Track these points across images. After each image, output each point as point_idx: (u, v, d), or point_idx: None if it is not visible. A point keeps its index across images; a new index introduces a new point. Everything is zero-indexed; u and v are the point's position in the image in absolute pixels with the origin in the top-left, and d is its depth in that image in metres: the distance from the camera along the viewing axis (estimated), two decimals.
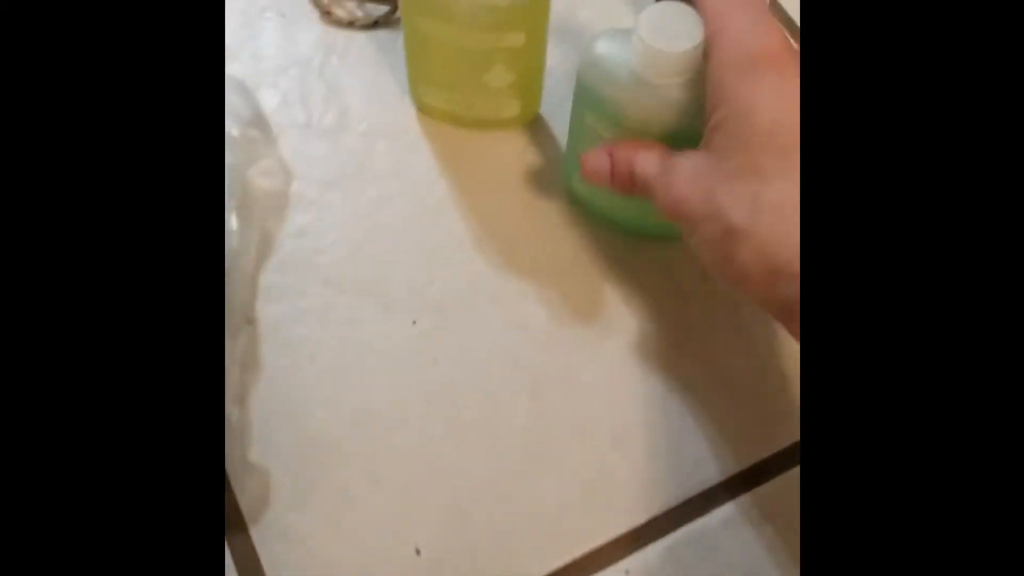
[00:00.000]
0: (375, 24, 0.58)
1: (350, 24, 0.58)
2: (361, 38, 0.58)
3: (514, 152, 0.54)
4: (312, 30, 0.58)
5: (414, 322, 0.48)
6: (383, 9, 0.59)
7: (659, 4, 0.42)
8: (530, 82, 0.52)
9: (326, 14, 0.58)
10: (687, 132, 0.43)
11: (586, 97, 0.45)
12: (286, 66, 0.56)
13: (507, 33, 0.47)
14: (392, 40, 0.58)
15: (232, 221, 0.48)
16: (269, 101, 0.55)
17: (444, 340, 0.48)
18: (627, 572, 0.43)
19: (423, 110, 0.55)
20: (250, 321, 0.47)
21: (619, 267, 0.50)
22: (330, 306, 0.48)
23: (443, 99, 0.52)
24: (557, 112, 0.55)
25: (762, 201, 0.35)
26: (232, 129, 0.50)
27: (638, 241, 0.51)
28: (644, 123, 0.43)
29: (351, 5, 0.59)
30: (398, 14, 0.59)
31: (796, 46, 0.40)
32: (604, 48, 0.44)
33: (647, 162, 0.41)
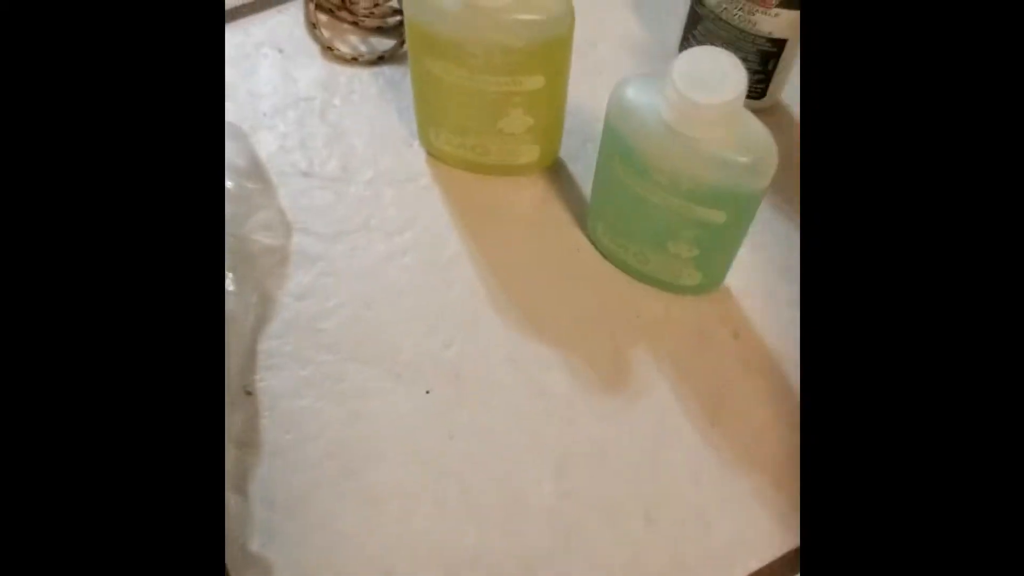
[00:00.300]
0: (380, 60, 0.54)
1: (353, 60, 0.54)
2: (365, 75, 0.54)
3: (533, 200, 0.50)
4: (312, 67, 0.54)
5: (428, 392, 0.44)
6: (389, 44, 0.55)
7: (695, 48, 0.38)
8: (550, 126, 0.48)
9: (327, 49, 0.55)
10: (722, 189, 0.39)
11: (615, 145, 0.41)
12: (284, 107, 0.52)
13: (525, 76, 0.43)
14: (399, 77, 0.54)
15: (228, 281, 0.44)
16: (267, 146, 0.51)
17: (460, 411, 0.44)
18: None
19: (434, 155, 0.51)
20: (249, 393, 0.43)
21: (648, 325, 0.46)
22: (335, 376, 0.44)
23: (455, 144, 0.48)
24: (579, 155, 0.51)
25: None
26: (227, 181, 0.46)
27: (669, 296, 0.47)
28: (675, 176, 0.39)
29: (354, 40, 0.56)
30: (405, 48, 0.55)
31: None
32: (634, 94, 0.40)
33: None
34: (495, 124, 0.46)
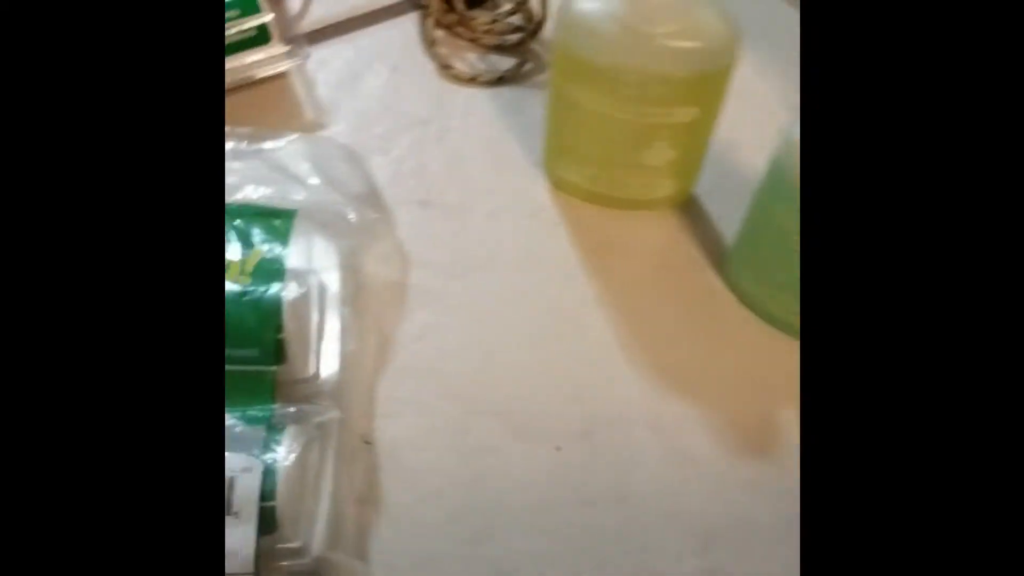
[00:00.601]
0: (500, 80, 0.51)
1: (471, 80, 0.51)
2: (483, 96, 0.51)
3: (665, 238, 0.46)
4: (428, 87, 0.51)
5: (558, 448, 0.40)
6: (510, 62, 0.52)
7: None
8: (692, 161, 0.44)
9: (444, 68, 0.51)
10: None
11: (781, 189, 0.37)
12: (398, 130, 0.49)
13: (678, 108, 0.39)
14: (520, 98, 0.50)
15: (345, 317, 0.41)
16: (381, 172, 0.48)
17: (594, 475, 0.40)
18: None
19: (558, 186, 0.47)
20: (368, 443, 0.40)
21: (799, 382, 0.42)
22: (458, 428, 0.41)
23: (587, 176, 0.45)
24: (713, 191, 0.47)
25: None
26: (347, 211, 0.43)
27: None
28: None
29: (472, 58, 0.52)
30: (527, 68, 0.51)
31: None
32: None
33: None
34: (635, 156, 0.42)
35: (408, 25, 0.53)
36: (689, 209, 0.47)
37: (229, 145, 0.45)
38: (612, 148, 0.42)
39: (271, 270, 0.39)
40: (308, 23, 0.53)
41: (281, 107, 0.50)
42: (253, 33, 0.47)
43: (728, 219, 0.46)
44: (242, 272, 0.39)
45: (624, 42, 0.37)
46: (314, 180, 0.44)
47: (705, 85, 0.39)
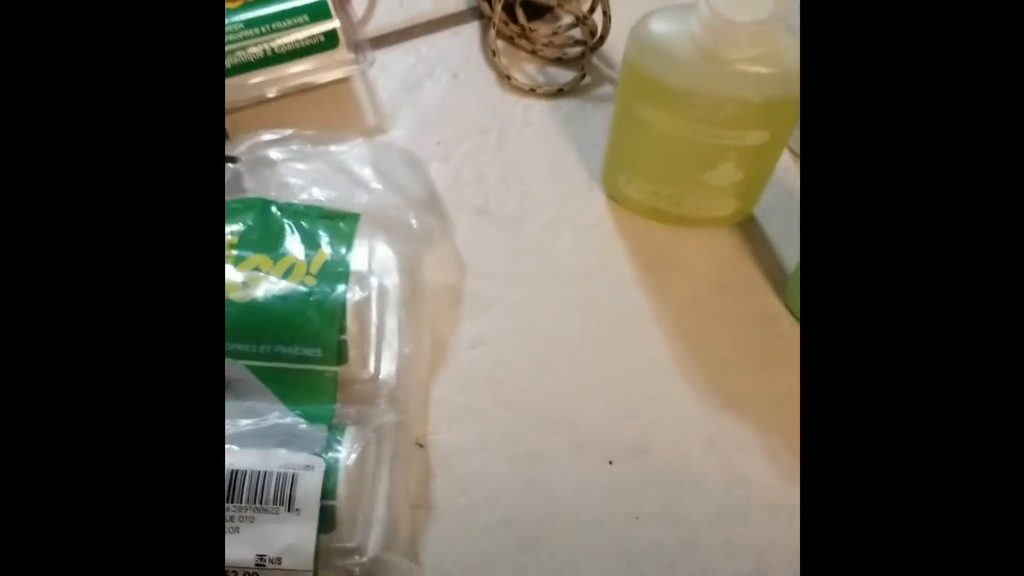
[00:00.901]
0: (559, 92, 0.51)
1: (531, 91, 0.51)
2: (542, 108, 0.51)
3: (724, 255, 0.46)
4: (488, 96, 0.51)
5: (610, 462, 0.40)
6: (569, 75, 0.52)
7: None
8: (757, 182, 0.44)
9: (504, 77, 0.52)
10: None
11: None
12: (458, 137, 0.50)
13: (749, 131, 0.39)
14: (578, 111, 0.51)
15: (403, 320, 0.41)
16: (440, 178, 0.48)
17: (648, 491, 0.40)
18: None
19: (616, 199, 0.47)
20: (421, 446, 0.40)
21: None
22: (512, 436, 0.41)
23: (648, 192, 0.45)
24: (772, 210, 0.47)
25: None
26: (409, 216, 0.43)
27: None
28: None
29: (531, 69, 0.53)
30: (586, 81, 0.52)
31: None
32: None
33: None
34: (700, 176, 0.42)
35: (470, 34, 0.54)
36: (748, 228, 0.47)
37: (294, 147, 0.46)
38: (677, 166, 0.43)
39: (335, 272, 0.39)
40: (371, 29, 0.54)
41: (344, 111, 0.50)
42: (321, 39, 0.48)
43: (788, 239, 0.46)
44: (308, 272, 0.39)
45: (700, 66, 0.37)
46: (376, 184, 0.45)
47: (778, 110, 0.39)
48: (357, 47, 0.49)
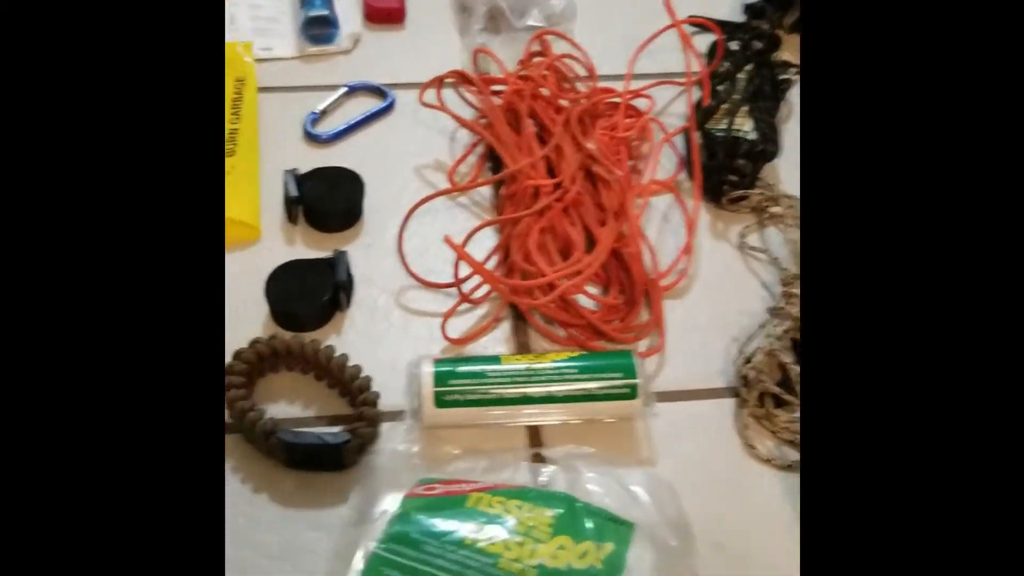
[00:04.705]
0: (788, 467, 0.68)
1: (767, 462, 0.68)
2: (773, 477, 0.67)
3: None
4: (731, 458, 0.68)
5: None
6: (797, 455, 0.69)
7: None
8: None
9: (748, 447, 0.69)
10: None
11: None
12: (703, 484, 0.66)
13: None
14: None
15: None
16: (690, 508, 0.64)
17: None
18: None
19: None
20: None
21: None
22: None
23: None
24: None
25: None
26: (669, 537, 0.59)
27: None
28: None
29: (771, 444, 0.70)
30: None
31: None
32: None
33: None
34: None
35: (726, 407, 0.72)
36: None
37: (593, 463, 0.64)
38: None
39: (615, 563, 0.56)
40: (655, 385, 0.73)
41: (627, 443, 0.69)
42: (626, 391, 0.67)
43: None
44: (597, 558, 0.56)
45: None
46: (647, 504, 0.62)
47: None
48: (646, 397, 0.69)
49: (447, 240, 0.70)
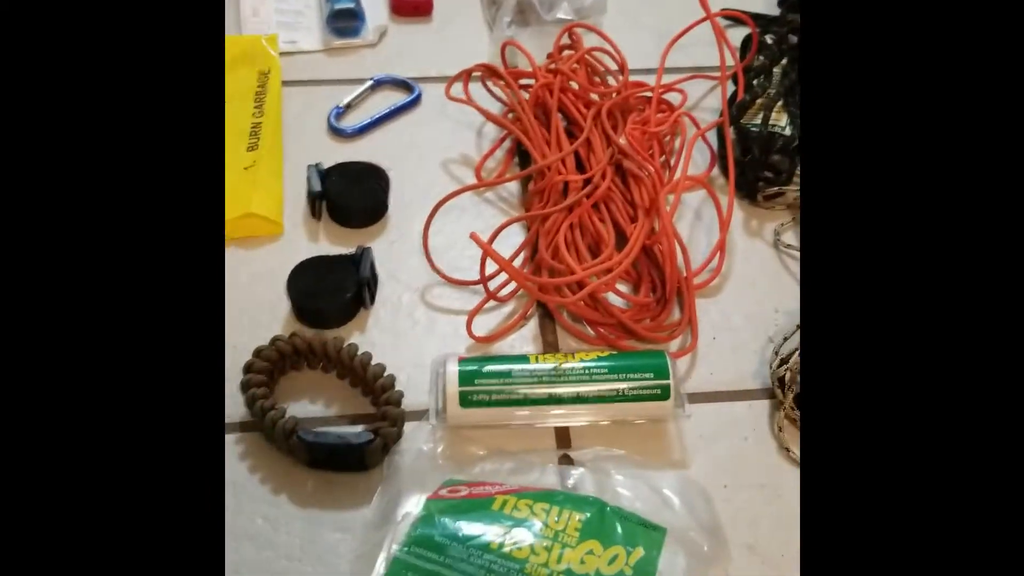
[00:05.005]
0: None
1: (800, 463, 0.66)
2: None
3: None
4: (767, 458, 0.66)
5: None
6: None
7: None
8: None
9: (784, 450, 0.67)
10: None
11: None
12: (741, 486, 0.64)
13: None
14: None
15: None
16: (723, 513, 0.62)
17: None
18: None
19: None
20: None
21: None
22: None
23: None
24: None
25: None
26: (702, 542, 0.57)
27: None
28: None
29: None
30: None
31: None
32: None
33: None
34: None
35: (762, 409, 0.70)
36: None
37: (624, 465, 0.62)
38: None
39: (646, 569, 0.54)
40: (687, 386, 0.71)
41: (659, 445, 0.67)
42: (658, 392, 0.65)
43: None
44: (626, 563, 0.54)
45: None
46: (679, 507, 0.60)
47: None
48: (678, 398, 0.66)
49: (473, 236, 0.68)
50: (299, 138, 0.82)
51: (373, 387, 0.61)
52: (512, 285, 0.73)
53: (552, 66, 0.85)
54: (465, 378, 0.62)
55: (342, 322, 0.68)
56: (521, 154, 0.83)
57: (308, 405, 0.64)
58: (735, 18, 0.96)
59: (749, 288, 0.77)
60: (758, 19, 0.95)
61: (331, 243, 0.75)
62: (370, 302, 0.69)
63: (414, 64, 0.90)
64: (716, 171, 0.85)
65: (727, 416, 0.69)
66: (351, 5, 0.89)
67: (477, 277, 0.72)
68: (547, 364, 0.65)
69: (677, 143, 0.86)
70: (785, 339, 0.73)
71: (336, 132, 0.82)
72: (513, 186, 0.82)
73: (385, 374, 0.62)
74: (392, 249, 0.75)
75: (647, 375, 0.66)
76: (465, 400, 0.62)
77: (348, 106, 0.84)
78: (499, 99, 0.86)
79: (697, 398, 0.70)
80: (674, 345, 0.72)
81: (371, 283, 0.69)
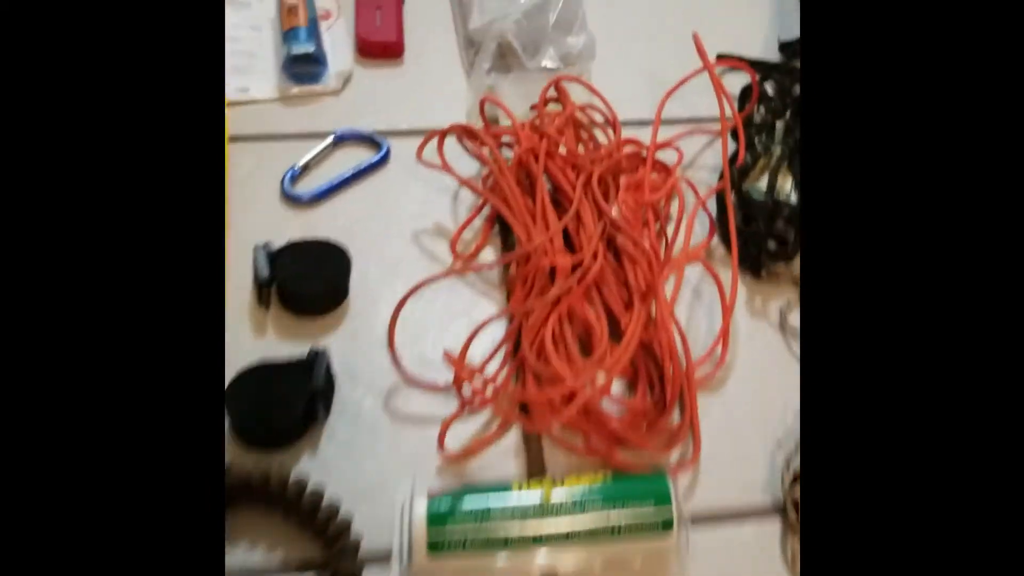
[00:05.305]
0: None
1: None
2: None
3: None
4: None
5: None
6: None
7: None
8: None
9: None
10: None
11: None
12: None
13: None
14: None
15: None
16: None
17: None
18: None
19: None
20: None
21: None
22: None
23: None
24: None
25: None
26: None
27: None
28: None
29: None
30: None
31: None
32: None
33: None
34: None
35: (771, 532, 0.61)
36: None
37: None
38: None
39: None
40: (689, 507, 0.62)
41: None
42: (659, 524, 0.56)
43: None
44: None
45: None
46: None
47: None
48: (682, 527, 0.58)
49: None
50: (246, 207, 0.72)
51: (325, 532, 0.51)
52: (491, 388, 0.63)
53: (537, 122, 0.75)
54: (435, 520, 0.53)
55: (291, 442, 0.58)
56: (501, 221, 0.74)
57: (244, 553, 0.54)
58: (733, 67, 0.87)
59: (755, 380, 0.68)
60: (757, 66, 0.87)
61: (280, 337, 0.65)
62: (324, 415, 0.59)
63: (382, 115, 0.80)
64: (715, 240, 0.76)
65: (733, 542, 0.61)
66: (311, 49, 0.79)
67: (450, 380, 0.63)
68: (532, 494, 0.55)
69: (674, 206, 0.77)
70: (796, 447, 0.64)
71: (291, 199, 0.72)
72: (492, 258, 0.73)
73: (340, 516, 0.52)
74: (352, 343, 0.65)
75: (647, 503, 0.57)
76: (435, 547, 0.52)
77: (305, 167, 0.74)
78: (478, 157, 0.77)
79: (700, 519, 0.62)
80: (673, 454, 0.64)
81: (326, 393, 0.59)
